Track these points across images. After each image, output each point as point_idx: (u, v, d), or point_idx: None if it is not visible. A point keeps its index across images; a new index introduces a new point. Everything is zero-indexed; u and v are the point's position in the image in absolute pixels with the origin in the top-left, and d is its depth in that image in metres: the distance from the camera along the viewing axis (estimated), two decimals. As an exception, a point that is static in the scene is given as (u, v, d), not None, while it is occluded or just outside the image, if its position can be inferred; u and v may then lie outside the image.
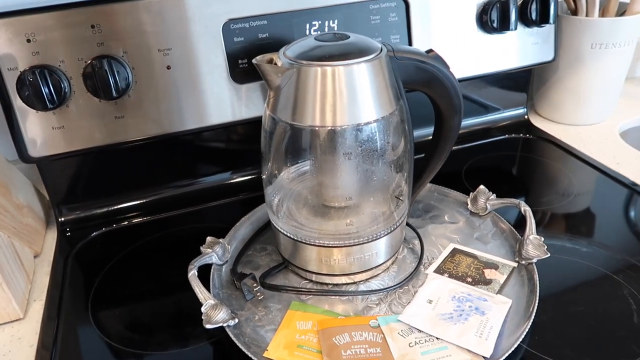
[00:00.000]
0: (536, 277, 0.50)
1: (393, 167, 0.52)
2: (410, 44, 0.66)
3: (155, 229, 0.66)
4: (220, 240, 0.57)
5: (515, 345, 0.44)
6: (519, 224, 0.57)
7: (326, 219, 0.52)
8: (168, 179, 0.70)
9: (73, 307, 0.54)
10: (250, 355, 0.45)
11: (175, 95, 0.59)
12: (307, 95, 0.45)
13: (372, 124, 0.47)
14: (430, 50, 0.50)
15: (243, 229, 0.61)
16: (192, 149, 0.69)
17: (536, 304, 0.47)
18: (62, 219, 0.66)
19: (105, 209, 0.68)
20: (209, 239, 0.57)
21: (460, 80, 0.52)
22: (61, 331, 0.51)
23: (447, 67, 0.50)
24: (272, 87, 0.47)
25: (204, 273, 0.53)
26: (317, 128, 0.47)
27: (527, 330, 0.45)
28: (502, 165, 0.77)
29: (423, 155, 0.57)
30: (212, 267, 0.55)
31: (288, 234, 0.52)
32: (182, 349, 0.49)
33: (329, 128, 0.46)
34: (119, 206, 0.68)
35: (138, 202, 0.69)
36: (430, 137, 0.56)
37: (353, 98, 0.45)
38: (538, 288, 0.49)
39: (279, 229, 0.53)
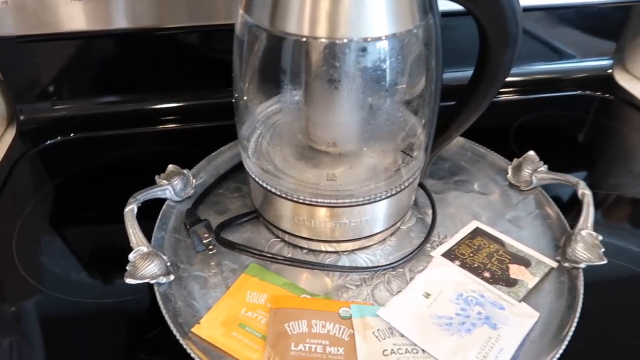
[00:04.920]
0: (580, 287, 0.38)
1: (407, 109, 0.39)
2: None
3: (120, 145, 0.58)
4: (185, 170, 0.47)
5: (532, 382, 0.32)
6: (572, 210, 0.44)
7: (309, 166, 0.40)
8: (148, 87, 0.60)
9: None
10: (172, 328, 0.35)
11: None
12: (293, -12, 0.32)
13: (382, 41, 0.34)
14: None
15: (219, 160, 0.51)
16: (181, 51, 0.59)
17: (574, 325, 0.36)
18: (22, 117, 0.58)
19: (71, 113, 0.59)
20: (170, 167, 0.47)
21: (530, 9, 0.37)
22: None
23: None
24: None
25: (156, 210, 0.44)
26: (304, 39, 0.33)
27: (553, 360, 0.33)
28: (567, 128, 0.63)
29: (454, 102, 0.43)
30: (166, 203, 0.45)
31: (258, 180, 0.40)
32: (99, 300, 0.40)
33: (322, 40, 0.33)
34: (84, 112, 0.60)
35: (107, 111, 0.60)
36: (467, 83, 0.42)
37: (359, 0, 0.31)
38: (580, 303, 0.37)
39: (249, 171, 0.41)
